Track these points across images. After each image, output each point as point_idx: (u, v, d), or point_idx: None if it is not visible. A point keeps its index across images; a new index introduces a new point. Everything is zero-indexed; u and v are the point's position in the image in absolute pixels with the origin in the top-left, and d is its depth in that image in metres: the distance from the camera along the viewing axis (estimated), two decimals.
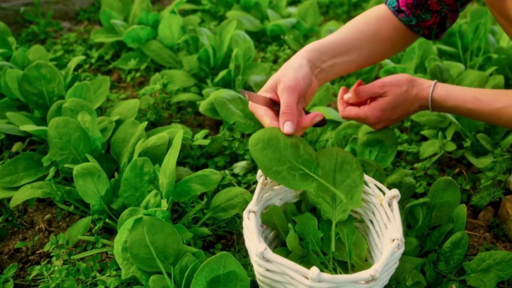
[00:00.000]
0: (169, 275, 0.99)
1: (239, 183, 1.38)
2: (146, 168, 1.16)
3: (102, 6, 2.16)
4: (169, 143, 1.30)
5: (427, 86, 1.21)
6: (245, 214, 1.00)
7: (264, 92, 1.10)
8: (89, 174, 1.15)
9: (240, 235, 1.24)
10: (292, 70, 1.10)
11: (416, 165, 1.48)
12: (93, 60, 1.99)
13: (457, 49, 1.97)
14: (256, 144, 1.01)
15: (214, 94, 1.44)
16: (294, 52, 2.07)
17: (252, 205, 1.01)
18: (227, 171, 1.40)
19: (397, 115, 1.24)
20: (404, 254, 1.15)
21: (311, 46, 1.19)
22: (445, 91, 1.19)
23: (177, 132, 1.16)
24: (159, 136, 1.29)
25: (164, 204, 1.06)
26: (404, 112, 1.24)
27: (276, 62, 2.03)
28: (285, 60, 2.00)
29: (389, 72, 1.69)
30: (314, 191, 1.09)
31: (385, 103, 1.21)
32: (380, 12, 1.31)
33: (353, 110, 1.24)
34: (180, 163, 1.44)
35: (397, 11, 1.28)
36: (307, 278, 0.89)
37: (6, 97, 1.54)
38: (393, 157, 1.22)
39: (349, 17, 2.59)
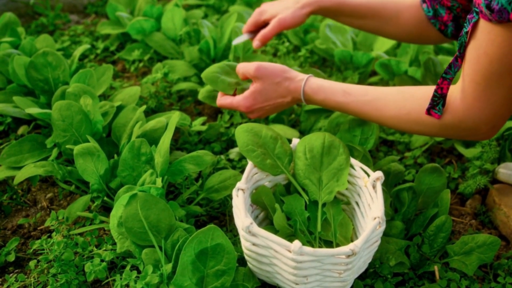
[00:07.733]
0: (160, 248, 1.04)
1: (234, 168, 1.43)
2: (143, 149, 1.22)
3: None
4: (167, 127, 1.35)
5: (299, 80, 1.24)
6: (234, 192, 1.05)
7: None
8: (89, 154, 1.20)
9: (232, 216, 1.29)
10: (291, 12, 1.40)
11: (406, 154, 1.52)
12: (98, 51, 2.05)
13: (453, 45, 2.01)
14: (242, 128, 1.17)
15: (203, 74, 1.35)
16: (294, 46, 2.12)
17: (241, 183, 1.06)
18: (222, 156, 1.45)
19: (270, 106, 1.28)
20: (390, 237, 1.19)
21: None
22: (316, 85, 1.22)
23: (173, 115, 1.21)
24: (157, 120, 1.35)
25: (159, 182, 1.11)
26: (277, 103, 1.28)
27: (276, 55, 2.07)
28: (285, 53, 2.04)
29: (384, 65, 1.73)
30: (302, 173, 1.15)
31: (257, 92, 1.26)
32: None
33: (228, 99, 1.31)
34: (178, 148, 1.50)
35: (423, 0, 1.37)
36: (290, 251, 0.94)
37: (13, 83, 1.60)
38: (374, 138, 1.26)
39: None
